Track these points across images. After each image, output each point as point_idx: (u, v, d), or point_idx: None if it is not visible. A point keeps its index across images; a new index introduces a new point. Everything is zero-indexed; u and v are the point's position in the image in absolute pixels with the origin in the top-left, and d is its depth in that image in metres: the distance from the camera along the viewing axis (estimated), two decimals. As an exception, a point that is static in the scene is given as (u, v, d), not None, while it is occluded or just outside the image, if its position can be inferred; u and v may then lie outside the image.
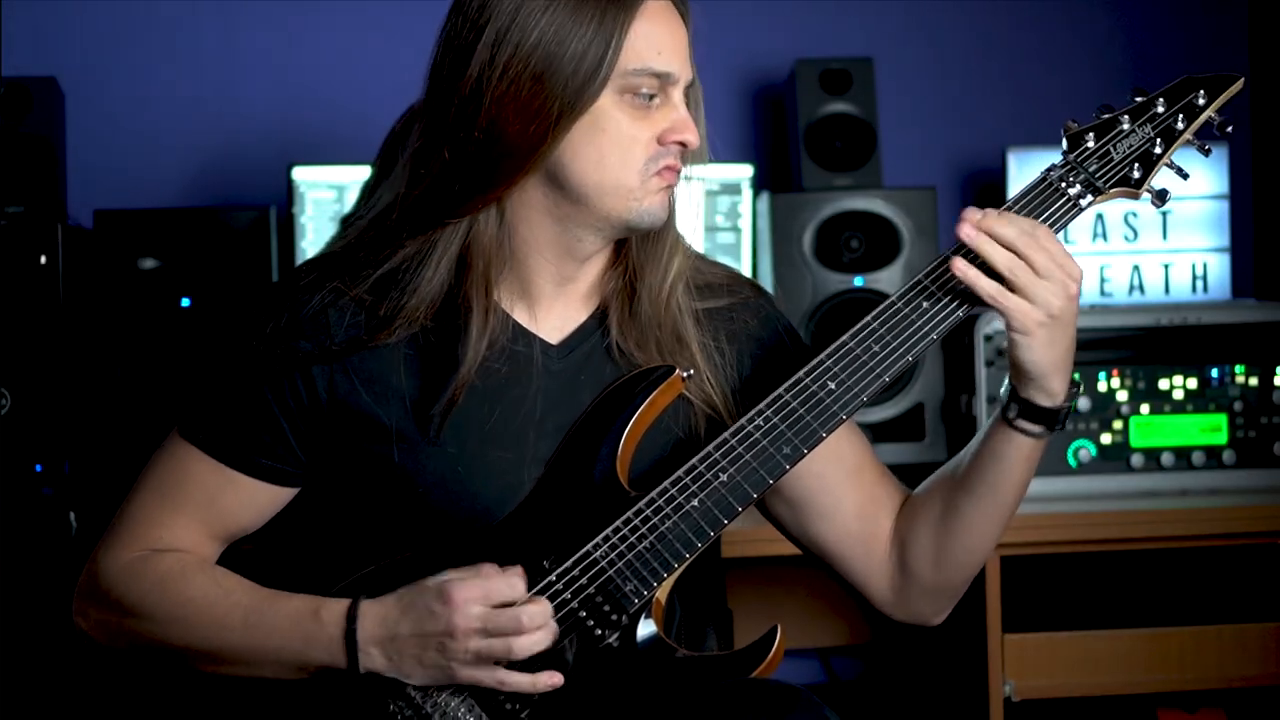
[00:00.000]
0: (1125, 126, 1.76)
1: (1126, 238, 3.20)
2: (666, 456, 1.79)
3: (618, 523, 1.69)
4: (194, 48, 3.36)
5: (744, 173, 3.17)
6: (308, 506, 1.84)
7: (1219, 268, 3.21)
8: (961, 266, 1.67)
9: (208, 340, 2.94)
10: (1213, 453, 2.94)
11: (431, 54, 1.77)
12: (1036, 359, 1.68)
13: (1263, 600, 2.88)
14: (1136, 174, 1.75)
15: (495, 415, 1.76)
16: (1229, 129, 1.77)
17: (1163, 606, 2.90)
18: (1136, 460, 2.92)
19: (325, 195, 3.11)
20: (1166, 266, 3.20)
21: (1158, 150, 1.76)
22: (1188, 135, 1.76)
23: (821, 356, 1.72)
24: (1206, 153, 1.80)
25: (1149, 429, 2.93)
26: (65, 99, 3.14)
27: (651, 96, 1.72)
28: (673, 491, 1.69)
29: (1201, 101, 1.77)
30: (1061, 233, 1.72)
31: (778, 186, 3.38)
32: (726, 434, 1.71)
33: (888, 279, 3.08)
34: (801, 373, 1.71)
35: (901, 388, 3.09)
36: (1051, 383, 1.71)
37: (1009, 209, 1.72)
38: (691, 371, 1.78)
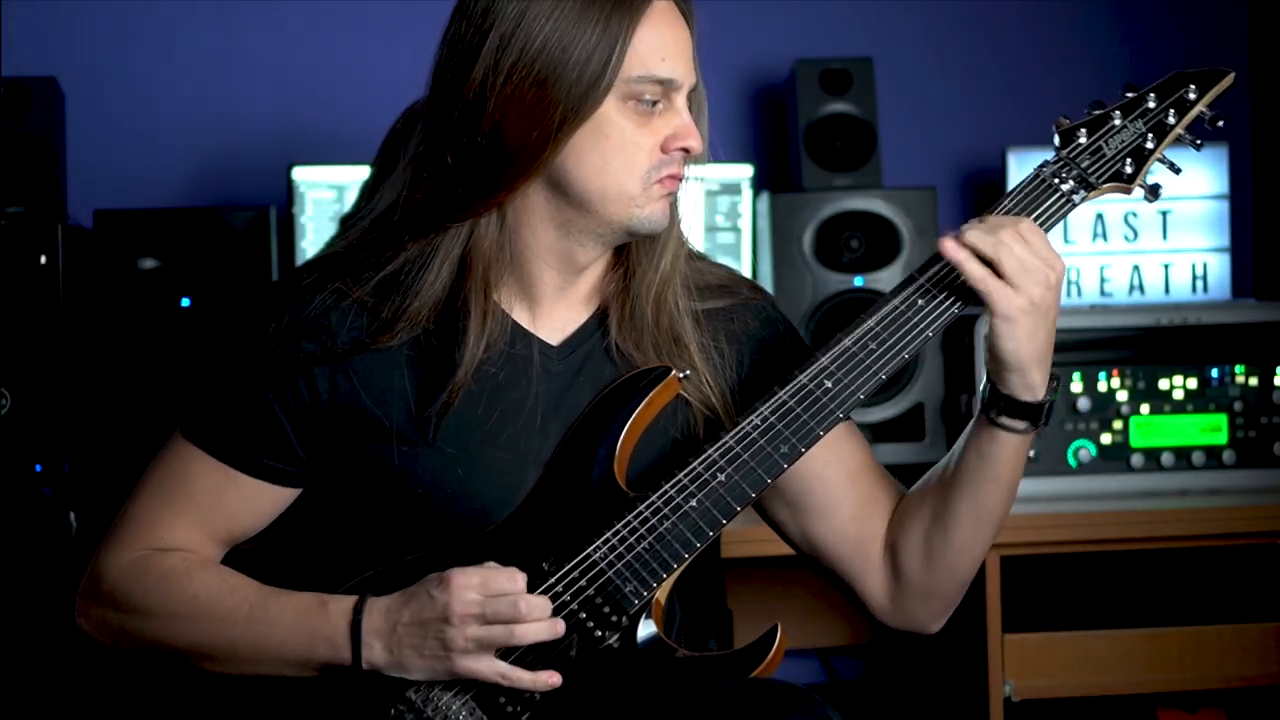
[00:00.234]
0: (1117, 122, 1.77)
1: (1126, 238, 3.20)
2: (665, 457, 1.79)
3: (617, 524, 1.69)
4: (194, 48, 3.36)
5: (744, 173, 3.17)
6: (309, 508, 1.84)
7: (1219, 268, 3.21)
8: (951, 248, 1.68)
9: (208, 340, 2.95)
10: (1213, 453, 2.93)
11: (434, 57, 1.76)
12: (1018, 349, 1.68)
13: (1263, 600, 2.88)
14: (1129, 169, 1.76)
15: (495, 416, 1.76)
16: (1220, 123, 1.78)
17: (1163, 606, 2.89)
18: (1136, 460, 2.92)
19: (325, 195, 3.11)
20: (1166, 266, 3.20)
21: (1150, 145, 1.76)
22: (1179, 130, 1.77)
23: (818, 356, 1.72)
24: (1199, 147, 1.80)
25: (1149, 429, 2.93)
26: (65, 99, 3.14)
27: (655, 103, 1.72)
28: (671, 492, 1.69)
29: (1192, 96, 1.77)
30: (1058, 230, 1.73)
31: (778, 186, 3.38)
32: (724, 434, 1.71)
33: (888, 279, 3.08)
34: (799, 372, 1.71)
35: (901, 388, 3.09)
36: (1032, 375, 1.70)
37: (1002, 205, 1.73)
38: (689, 372, 1.78)
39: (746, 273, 3.05)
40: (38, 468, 2.80)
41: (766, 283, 3.08)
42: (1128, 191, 1.77)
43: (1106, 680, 2.80)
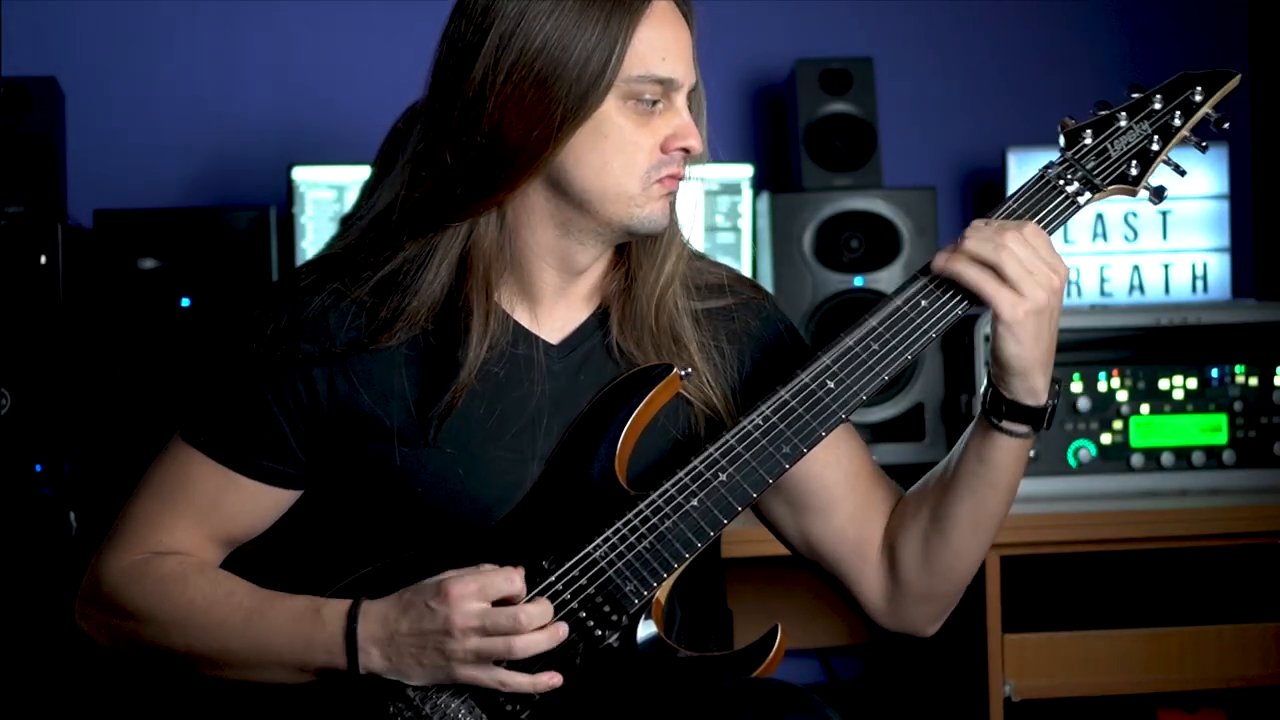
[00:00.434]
0: (1122, 123, 1.76)
1: (1126, 238, 3.20)
2: (666, 456, 1.79)
3: (617, 523, 1.69)
4: (194, 48, 3.36)
5: (744, 173, 3.17)
6: (310, 508, 1.84)
7: (1219, 268, 3.21)
8: (943, 261, 1.68)
9: (208, 341, 2.95)
10: (1213, 453, 2.93)
11: (434, 56, 1.76)
12: (1022, 353, 1.68)
13: (1263, 600, 2.88)
14: (1134, 171, 1.75)
15: (496, 415, 1.76)
16: (1226, 125, 1.77)
17: (1163, 606, 2.89)
18: (1136, 460, 2.92)
19: (325, 195, 3.11)
20: (1166, 266, 3.20)
21: (1155, 147, 1.76)
22: (1185, 132, 1.77)
23: (820, 355, 1.71)
24: (1204, 149, 1.79)
25: (1149, 429, 2.93)
26: (65, 99, 3.14)
27: (655, 102, 1.72)
28: (672, 492, 1.69)
29: (1198, 98, 1.77)
30: (1060, 231, 1.72)
31: (778, 186, 3.38)
32: (726, 434, 1.70)
33: (888, 279, 3.08)
34: (801, 372, 1.71)
35: (901, 388, 3.09)
36: (1035, 380, 1.70)
37: (1006, 206, 1.73)
38: (689, 370, 1.78)
39: (746, 273, 3.05)
40: (38, 468, 2.80)
41: (766, 283, 3.08)
42: (1133, 194, 1.76)
43: (1106, 680, 2.79)
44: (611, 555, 1.68)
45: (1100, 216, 3.18)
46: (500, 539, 1.72)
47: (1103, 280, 3.19)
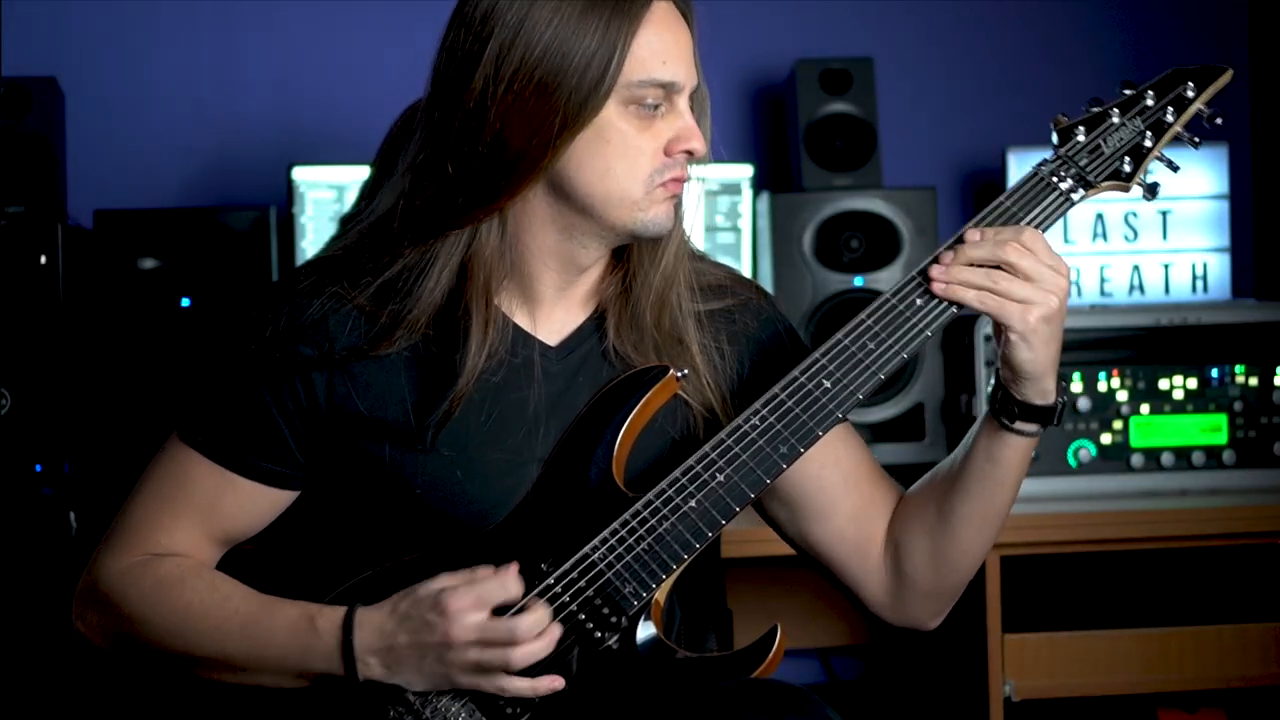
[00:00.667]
0: (1115, 120, 1.77)
1: (1126, 238, 3.19)
2: (663, 458, 1.78)
3: (615, 525, 1.69)
4: (194, 48, 3.36)
5: (744, 173, 3.17)
6: (308, 509, 1.84)
7: (1219, 268, 3.21)
8: (940, 288, 1.69)
9: (207, 341, 2.95)
10: (1213, 453, 2.93)
11: (433, 64, 1.75)
12: (1035, 357, 1.68)
13: (1263, 600, 2.87)
14: (1127, 167, 1.76)
15: (494, 418, 1.76)
16: (1218, 121, 1.77)
17: (1163, 606, 2.89)
18: (1136, 460, 2.92)
19: (325, 195, 3.11)
20: (1166, 266, 3.20)
21: (1148, 143, 1.76)
22: (1177, 127, 1.77)
23: (816, 355, 1.71)
24: (1197, 145, 1.79)
25: (1149, 429, 2.92)
26: (65, 99, 3.14)
27: (656, 106, 1.71)
28: (670, 493, 1.69)
29: (1190, 94, 1.77)
30: (1058, 230, 1.72)
31: (778, 186, 3.38)
32: (723, 434, 1.70)
33: (888, 279, 3.08)
34: (797, 371, 1.71)
35: (901, 388, 3.09)
36: (1047, 381, 1.71)
37: (1000, 204, 1.73)
38: (686, 371, 1.77)
39: (746, 273, 3.05)
40: (38, 468, 2.80)
41: (766, 283, 3.08)
42: (1126, 190, 1.76)
43: (1106, 680, 2.79)
44: (610, 557, 1.68)
45: (1100, 216, 3.18)
46: (498, 542, 1.72)
47: (1103, 280, 3.19)
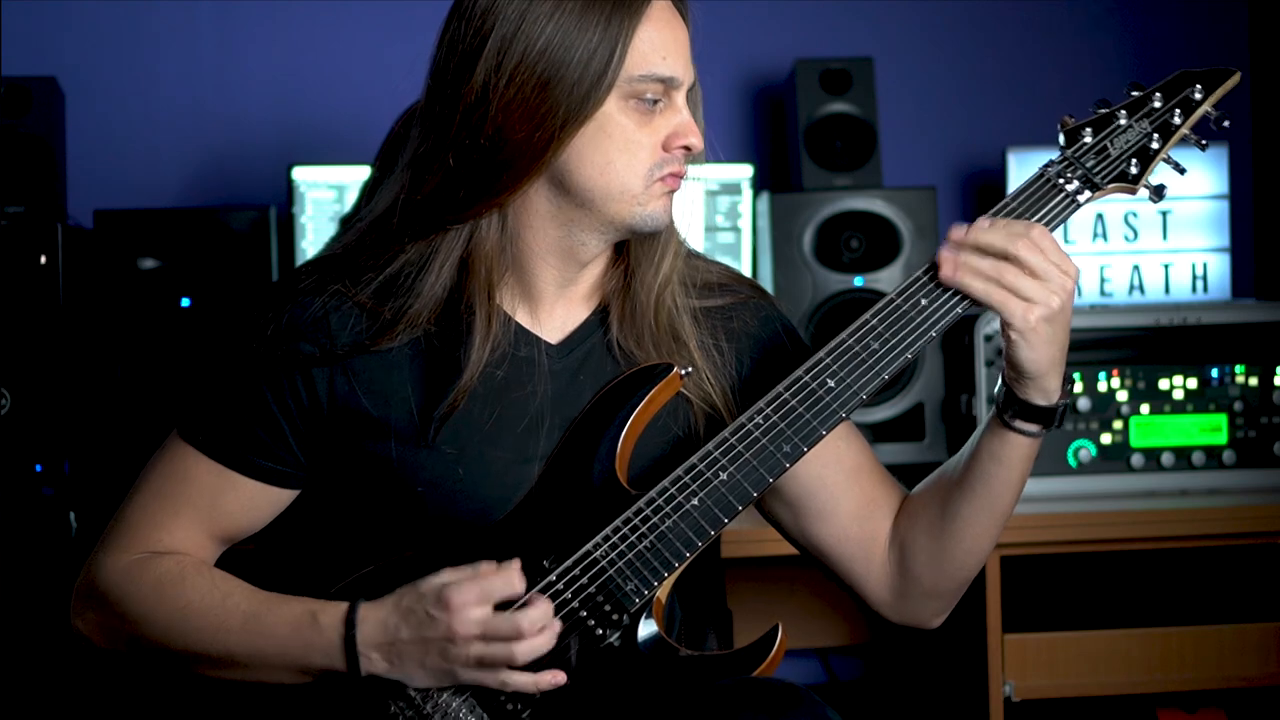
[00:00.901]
0: (1122, 122, 1.76)
1: (1126, 238, 3.20)
2: (666, 455, 1.79)
3: (618, 522, 1.69)
4: (194, 48, 3.36)
5: (744, 173, 3.17)
6: (309, 507, 1.84)
7: (1219, 268, 3.21)
8: (949, 271, 1.68)
9: (207, 340, 2.95)
10: (1213, 453, 2.93)
11: (432, 59, 1.76)
12: (1036, 357, 1.68)
13: (1263, 600, 2.88)
14: (1134, 169, 1.75)
15: (496, 415, 1.76)
16: (1225, 124, 1.76)
17: (1163, 606, 2.89)
18: (1136, 460, 2.92)
19: (325, 195, 3.11)
20: (1166, 266, 3.20)
21: (1155, 145, 1.75)
22: (1185, 130, 1.76)
23: (820, 354, 1.71)
24: (1204, 148, 1.79)
25: (1149, 429, 2.93)
26: (65, 99, 3.14)
27: (656, 101, 1.72)
28: (673, 490, 1.69)
29: (1198, 96, 1.76)
30: (1061, 230, 1.72)
31: (778, 186, 3.38)
32: (726, 432, 1.70)
33: (888, 279, 3.08)
34: (801, 370, 1.71)
35: (901, 388, 3.09)
36: (1049, 381, 1.71)
37: (1006, 205, 1.73)
38: (690, 369, 1.78)
39: (746, 273, 3.05)
40: (38, 468, 2.80)
41: (766, 283, 3.08)
42: (1133, 192, 1.76)
43: (1106, 680, 2.79)
44: (612, 554, 1.68)
45: (1100, 216, 3.18)
46: (500, 538, 1.72)
47: (1103, 280, 3.19)
